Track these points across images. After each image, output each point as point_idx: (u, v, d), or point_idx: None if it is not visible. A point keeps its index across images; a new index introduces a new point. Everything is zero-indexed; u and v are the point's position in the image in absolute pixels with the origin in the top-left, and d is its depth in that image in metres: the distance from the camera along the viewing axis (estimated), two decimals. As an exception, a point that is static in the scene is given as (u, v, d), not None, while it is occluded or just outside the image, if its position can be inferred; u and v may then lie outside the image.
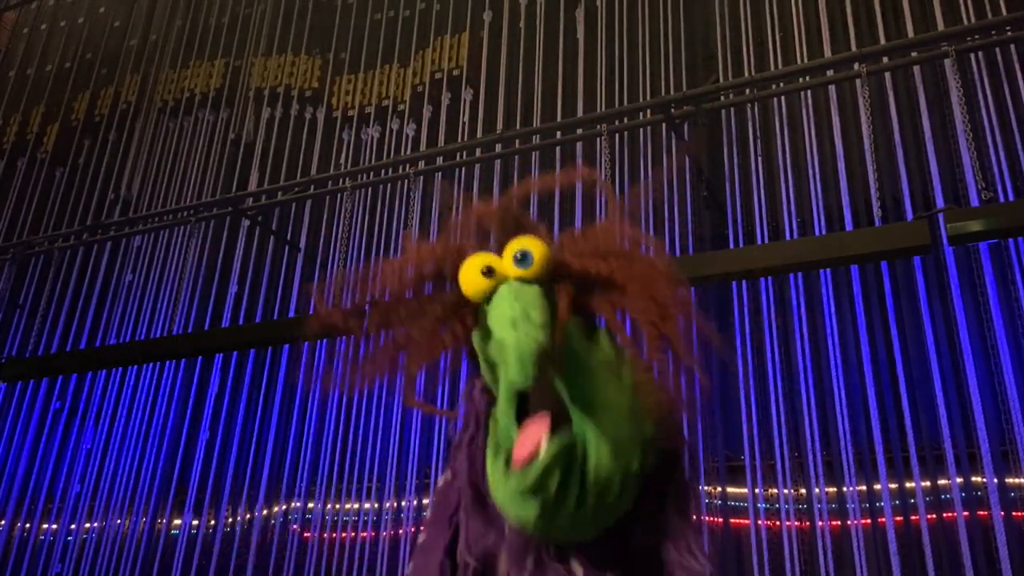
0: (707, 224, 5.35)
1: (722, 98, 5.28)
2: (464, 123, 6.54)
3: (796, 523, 4.42)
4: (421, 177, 5.85)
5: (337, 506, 5.61)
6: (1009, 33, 4.54)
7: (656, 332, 1.09)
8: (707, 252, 5.02)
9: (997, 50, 4.84)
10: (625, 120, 5.51)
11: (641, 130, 5.62)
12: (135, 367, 6.52)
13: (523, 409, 1.06)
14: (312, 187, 6.34)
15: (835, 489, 4.49)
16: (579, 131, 5.54)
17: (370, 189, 6.31)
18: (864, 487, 4.44)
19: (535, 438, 1.01)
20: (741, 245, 5.04)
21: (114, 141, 7.90)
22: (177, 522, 6.11)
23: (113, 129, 7.99)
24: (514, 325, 1.00)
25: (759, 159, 5.19)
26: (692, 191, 5.33)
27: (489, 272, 1.11)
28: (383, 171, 6.17)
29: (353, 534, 5.49)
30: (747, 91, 5.16)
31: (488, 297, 1.10)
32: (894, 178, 4.85)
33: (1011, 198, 4.54)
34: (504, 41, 6.72)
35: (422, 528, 1.26)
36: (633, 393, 1.04)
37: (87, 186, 7.71)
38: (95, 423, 6.61)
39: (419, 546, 1.23)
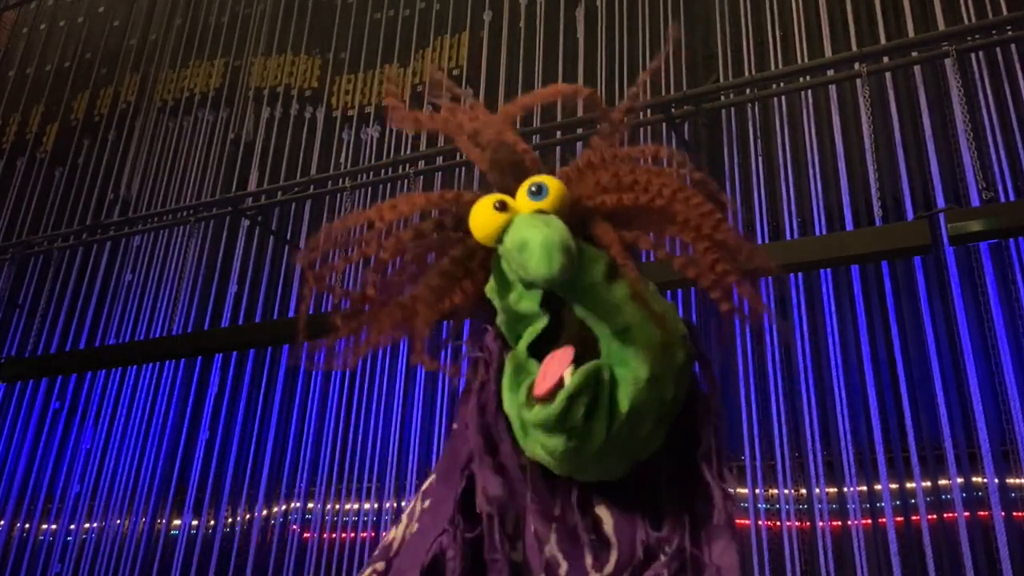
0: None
1: (722, 98, 5.28)
2: (464, 123, 6.52)
3: (796, 523, 4.42)
4: (421, 177, 5.85)
5: (337, 506, 5.61)
6: (1010, 33, 4.54)
7: (711, 243, 1.02)
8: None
9: (998, 50, 4.84)
10: (625, 120, 5.50)
11: (641, 130, 5.62)
12: (135, 367, 6.51)
13: (543, 351, 1.01)
14: (312, 187, 6.33)
15: (835, 489, 4.49)
16: (579, 131, 5.53)
17: (370, 189, 6.31)
18: (864, 487, 4.43)
19: (559, 368, 0.97)
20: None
21: (113, 141, 7.89)
22: (177, 522, 6.11)
23: (113, 129, 7.98)
24: (533, 226, 0.95)
25: (759, 159, 5.19)
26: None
27: (502, 207, 1.02)
28: (383, 171, 6.16)
29: (353, 534, 5.48)
30: (747, 91, 5.16)
31: (500, 237, 1.02)
32: (895, 178, 4.85)
33: (1012, 198, 4.54)
34: (504, 41, 6.72)
35: (423, 492, 1.19)
36: (660, 323, 0.99)
37: (86, 186, 7.70)
38: (95, 423, 6.60)
39: (426, 508, 1.14)
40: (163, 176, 7.40)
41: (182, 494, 6.12)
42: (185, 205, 6.80)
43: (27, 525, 6.62)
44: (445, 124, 1.17)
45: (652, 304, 0.99)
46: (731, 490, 1.02)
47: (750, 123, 5.17)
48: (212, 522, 6.01)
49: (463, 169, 6.09)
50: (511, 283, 1.06)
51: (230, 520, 5.98)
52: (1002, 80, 4.87)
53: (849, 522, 4.34)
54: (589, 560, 1.01)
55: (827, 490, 4.47)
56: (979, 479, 4.22)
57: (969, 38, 4.58)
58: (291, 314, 6.32)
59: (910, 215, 4.61)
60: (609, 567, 1.00)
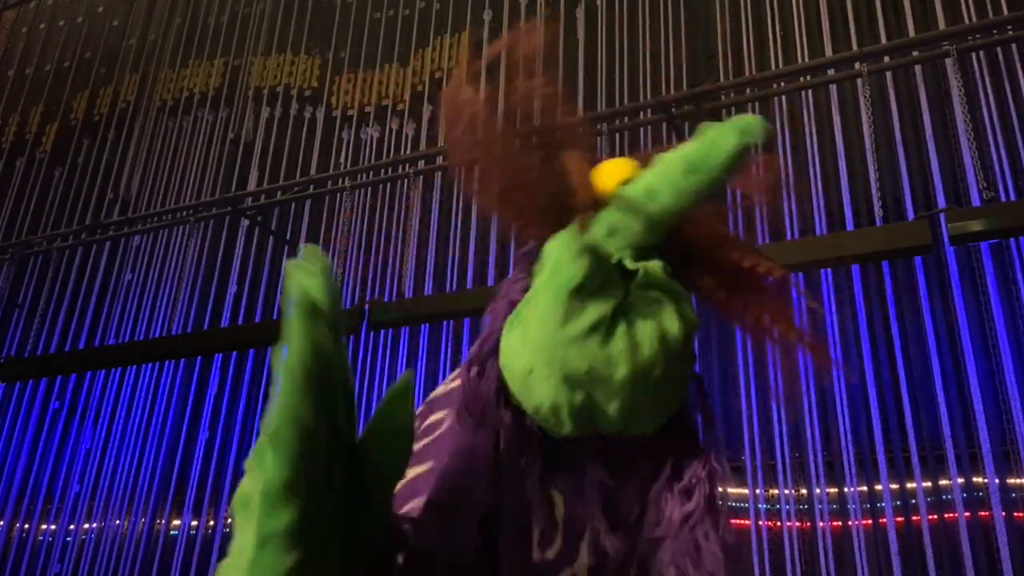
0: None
1: (723, 97, 5.28)
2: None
3: (797, 523, 4.42)
4: (421, 177, 5.84)
5: (337, 506, 5.60)
6: (1010, 32, 4.54)
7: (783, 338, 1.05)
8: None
9: (998, 49, 4.84)
10: (625, 119, 5.50)
11: (641, 130, 5.61)
12: (135, 367, 6.51)
13: None
14: (312, 187, 6.33)
15: (836, 489, 4.48)
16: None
17: (370, 189, 6.31)
18: (865, 487, 4.43)
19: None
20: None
21: (113, 140, 7.89)
22: (177, 522, 6.10)
23: (112, 128, 7.98)
24: (605, 228, 0.93)
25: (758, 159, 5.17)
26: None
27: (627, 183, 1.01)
28: (383, 171, 6.16)
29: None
30: (748, 90, 5.15)
31: (594, 205, 0.99)
32: (895, 178, 4.84)
33: (1012, 198, 4.54)
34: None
35: (431, 432, 1.06)
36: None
37: (86, 185, 7.70)
38: (94, 423, 6.60)
39: (452, 452, 1.01)
40: (163, 176, 7.40)
41: (182, 494, 6.12)
42: (185, 205, 6.80)
43: (27, 525, 6.62)
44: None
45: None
46: (723, 488, 0.99)
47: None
48: (212, 522, 6.00)
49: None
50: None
51: (230, 520, 5.96)
52: (1003, 80, 4.87)
53: (849, 522, 4.34)
54: (535, 535, 0.94)
55: (827, 490, 4.46)
56: (980, 479, 4.21)
57: (970, 38, 4.58)
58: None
59: (910, 215, 4.61)
60: (551, 552, 0.94)
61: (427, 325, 5.53)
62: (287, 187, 6.42)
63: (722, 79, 5.51)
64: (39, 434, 6.84)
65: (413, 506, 0.98)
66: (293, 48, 7.62)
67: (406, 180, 5.84)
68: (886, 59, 4.83)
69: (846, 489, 4.42)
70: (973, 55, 4.83)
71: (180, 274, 6.63)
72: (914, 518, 4.31)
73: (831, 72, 4.96)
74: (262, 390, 6.26)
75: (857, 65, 4.66)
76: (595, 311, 0.91)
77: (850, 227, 4.76)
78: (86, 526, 6.31)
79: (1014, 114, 4.76)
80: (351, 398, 0.88)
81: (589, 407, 0.91)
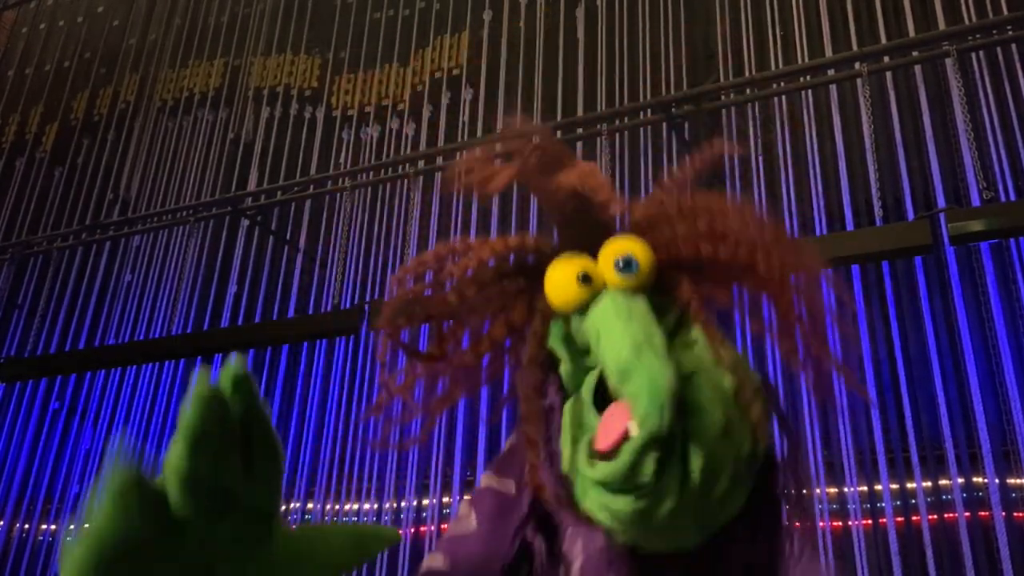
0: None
1: (723, 97, 5.28)
2: (464, 123, 6.53)
3: (796, 523, 4.41)
4: (421, 177, 5.84)
5: (337, 506, 5.60)
6: (1010, 32, 4.54)
7: (799, 338, 0.95)
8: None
9: (998, 49, 4.84)
10: (625, 120, 5.50)
11: (641, 130, 5.61)
12: (135, 367, 6.51)
13: (602, 402, 0.90)
14: (311, 187, 6.33)
15: (836, 489, 4.48)
16: (579, 131, 5.53)
17: (370, 189, 6.31)
18: (865, 487, 4.43)
19: (623, 419, 0.84)
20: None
21: (113, 140, 7.89)
22: (176, 522, 6.10)
23: (112, 128, 7.98)
24: (638, 352, 0.83)
25: (759, 158, 5.18)
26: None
27: (587, 280, 0.92)
28: (383, 171, 6.16)
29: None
30: (748, 90, 5.15)
31: (581, 308, 0.93)
32: (895, 177, 4.84)
33: (1012, 198, 4.54)
34: (504, 40, 6.71)
35: (462, 551, 1.04)
36: (735, 381, 0.88)
37: (86, 186, 7.70)
38: (94, 423, 6.60)
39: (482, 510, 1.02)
40: (163, 176, 7.40)
41: (182, 494, 6.11)
42: (185, 205, 6.80)
43: (27, 525, 6.62)
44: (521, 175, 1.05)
45: (723, 351, 0.90)
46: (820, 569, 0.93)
47: (750, 123, 5.17)
48: (212, 522, 6.00)
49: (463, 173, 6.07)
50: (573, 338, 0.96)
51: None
52: (1003, 80, 4.87)
53: (849, 522, 4.34)
54: None
55: (827, 490, 4.46)
56: (980, 479, 4.21)
57: (970, 38, 4.58)
58: (291, 314, 6.32)
59: (911, 215, 4.61)
60: None
61: (427, 325, 5.52)
62: (287, 187, 6.43)
63: (722, 79, 5.51)
64: (39, 434, 6.84)
65: None
66: (293, 48, 7.63)
67: (406, 180, 5.84)
68: (886, 59, 4.83)
69: (846, 489, 4.42)
70: (973, 55, 4.83)
71: (180, 274, 6.63)
72: (914, 518, 4.31)
73: (831, 72, 4.96)
74: (262, 390, 6.25)
75: (857, 65, 4.66)
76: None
77: (850, 227, 4.76)
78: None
79: (1014, 114, 4.76)
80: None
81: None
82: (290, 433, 5.98)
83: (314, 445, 5.83)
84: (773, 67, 5.42)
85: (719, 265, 0.96)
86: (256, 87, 7.56)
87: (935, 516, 4.27)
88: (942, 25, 4.99)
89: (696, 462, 0.83)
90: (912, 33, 5.06)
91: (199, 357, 6.31)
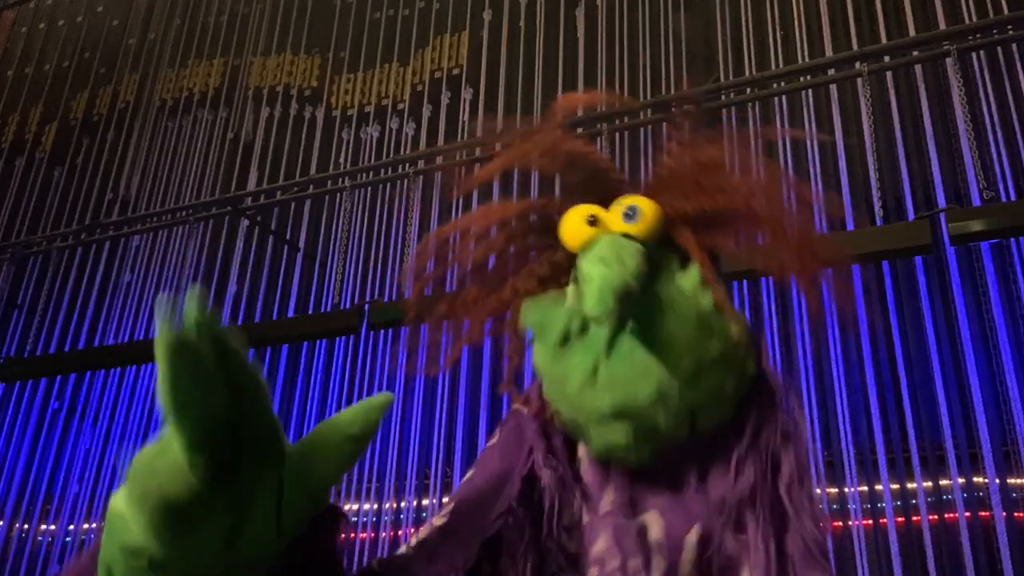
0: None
1: (723, 97, 5.27)
2: (464, 123, 6.53)
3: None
4: (421, 177, 5.84)
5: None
6: (1011, 32, 4.53)
7: (792, 240, 1.03)
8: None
9: (999, 49, 4.84)
10: (625, 119, 5.50)
11: (641, 130, 5.61)
12: (135, 367, 6.50)
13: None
14: (311, 186, 6.32)
15: (836, 489, 4.48)
16: (579, 130, 5.52)
17: (370, 189, 6.30)
18: (865, 487, 4.43)
19: None
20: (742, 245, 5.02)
21: (113, 140, 7.88)
22: (176, 522, 6.09)
23: (112, 128, 7.97)
24: (603, 262, 0.92)
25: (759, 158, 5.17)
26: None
27: (594, 222, 1.02)
28: (383, 171, 6.16)
29: (352, 534, 5.47)
30: (748, 90, 5.15)
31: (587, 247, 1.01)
32: (895, 177, 4.84)
33: (1012, 197, 4.54)
34: (504, 40, 6.71)
35: (484, 463, 1.10)
36: (719, 302, 0.99)
37: (85, 185, 7.69)
38: (94, 423, 6.59)
39: (491, 480, 1.08)
40: (162, 176, 7.40)
41: (181, 494, 6.10)
42: (184, 205, 6.79)
43: (26, 525, 6.61)
44: (512, 158, 1.16)
45: (715, 288, 1.00)
46: (819, 521, 0.98)
47: (750, 122, 5.17)
48: (211, 522, 5.99)
49: (463, 169, 6.07)
50: None
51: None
52: (1003, 79, 4.87)
53: (850, 522, 4.34)
54: (638, 562, 0.97)
55: (828, 490, 4.46)
56: (980, 479, 4.21)
57: (970, 37, 4.57)
58: (290, 314, 6.32)
59: (911, 215, 4.61)
60: (657, 574, 0.96)
61: (427, 325, 5.52)
62: (287, 187, 6.42)
63: (722, 79, 5.51)
64: (39, 434, 6.83)
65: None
66: (293, 48, 7.62)
67: (406, 180, 5.84)
68: (886, 59, 4.82)
69: (846, 489, 4.42)
70: (973, 55, 4.83)
71: (180, 274, 6.63)
72: (914, 518, 4.31)
73: (831, 72, 4.95)
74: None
75: (857, 65, 4.65)
76: (580, 357, 0.97)
77: (850, 227, 4.76)
78: (86, 526, 6.30)
79: (1014, 114, 4.76)
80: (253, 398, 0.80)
81: (646, 430, 0.96)
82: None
83: (314, 445, 5.82)
84: (773, 67, 5.42)
85: (720, 214, 1.05)
86: (256, 87, 7.56)
87: (935, 516, 4.27)
88: (942, 25, 4.99)
89: (652, 337, 0.93)
90: (912, 33, 5.06)
91: (199, 357, 6.31)
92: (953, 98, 4.59)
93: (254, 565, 0.80)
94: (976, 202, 4.35)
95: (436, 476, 5.39)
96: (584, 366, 0.96)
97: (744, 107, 5.27)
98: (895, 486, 4.39)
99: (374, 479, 5.53)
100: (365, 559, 5.34)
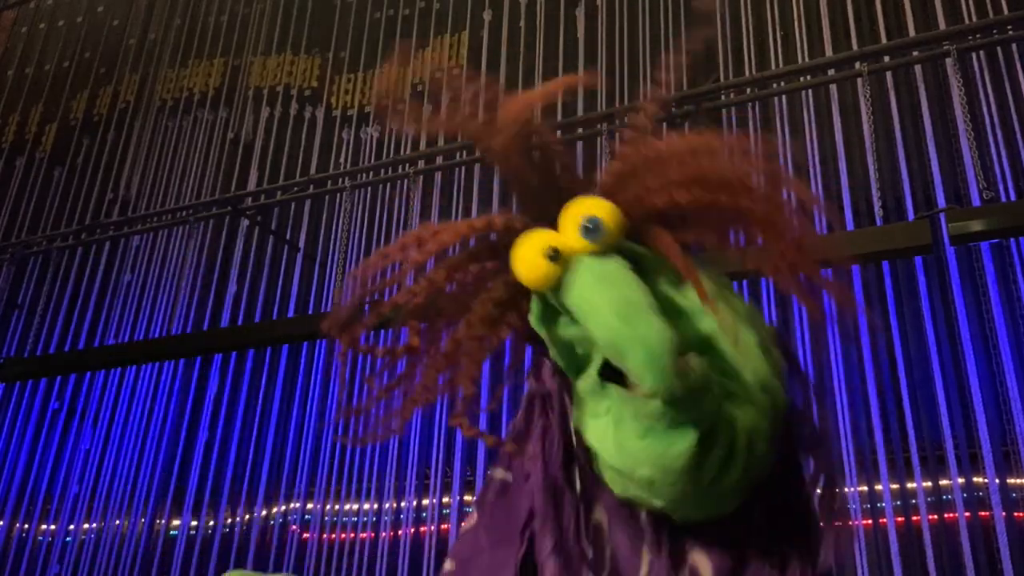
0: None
1: (723, 97, 5.27)
2: (464, 122, 6.51)
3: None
4: (421, 177, 5.84)
5: (336, 507, 5.60)
6: (1011, 32, 4.53)
7: (782, 237, 0.93)
8: (708, 252, 5.00)
9: (999, 49, 4.83)
10: (625, 120, 5.49)
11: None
12: (134, 367, 6.50)
13: (613, 378, 0.87)
14: (311, 187, 6.32)
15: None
16: (579, 131, 5.52)
17: (370, 189, 6.30)
18: (865, 487, 4.43)
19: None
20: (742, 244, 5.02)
21: (113, 140, 7.88)
22: (176, 523, 6.10)
23: (112, 128, 7.97)
24: (623, 319, 0.79)
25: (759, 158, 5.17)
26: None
27: (555, 256, 0.87)
28: (383, 171, 6.16)
29: (352, 535, 5.47)
30: (748, 90, 5.15)
31: (555, 284, 0.88)
32: (895, 177, 4.84)
33: (1012, 198, 4.53)
34: (504, 40, 6.71)
35: (469, 550, 1.02)
36: (731, 333, 0.86)
37: (86, 185, 7.69)
38: (94, 423, 6.59)
39: (482, 569, 0.98)
40: (162, 176, 7.40)
41: (181, 494, 6.11)
42: (184, 205, 6.79)
43: (26, 525, 6.61)
44: (450, 123, 1.02)
45: (724, 310, 0.87)
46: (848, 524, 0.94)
47: (750, 123, 5.17)
48: (212, 522, 6.00)
49: (463, 169, 6.08)
50: (556, 312, 0.91)
51: (229, 520, 5.97)
52: (1003, 79, 4.87)
53: (850, 522, 4.33)
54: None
55: (827, 490, 4.45)
56: (980, 479, 4.21)
57: (970, 37, 4.57)
58: (290, 314, 6.32)
59: (911, 215, 4.60)
60: None
61: (426, 325, 5.51)
62: (287, 187, 6.42)
63: (722, 79, 5.50)
64: (39, 434, 6.83)
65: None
66: (293, 48, 7.62)
67: (406, 180, 5.83)
68: (886, 59, 4.82)
69: (846, 489, 4.41)
70: (973, 55, 4.82)
71: (180, 274, 6.63)
72: (914, 518, 4.30)
73: (831, 72, 4.95)
74: (262, 390, 6.25)
75: (857, 65, 4.65)
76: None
77: (850, 227, 4.76)
78: (86, 526, 6.30)
79: (1014, 114, 4.76)
80: None
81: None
82: (290, 433, 5.98)
83: (314, 445, 5.83)
84: (773, 67, 5.42)
85: (702, 209, 0.92)
86: (256, 87, 7.56)
87: (935, 516, 4.27)
88: (942, 25, 4.99)
89: (743, 419, 0.80)
90: (912, 33, 5.06)
91: (199, 357, 6.32)
92: (953, 98, 4.59)
93: None
94: (976, 202, 4.35)
95: (436, 476, 5.38)
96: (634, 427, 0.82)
97: (744, 107, 5.27)
98: (895, 486, 4.39)
99: (374, 479, 5.53)
100: (365, 559, 5.34)
